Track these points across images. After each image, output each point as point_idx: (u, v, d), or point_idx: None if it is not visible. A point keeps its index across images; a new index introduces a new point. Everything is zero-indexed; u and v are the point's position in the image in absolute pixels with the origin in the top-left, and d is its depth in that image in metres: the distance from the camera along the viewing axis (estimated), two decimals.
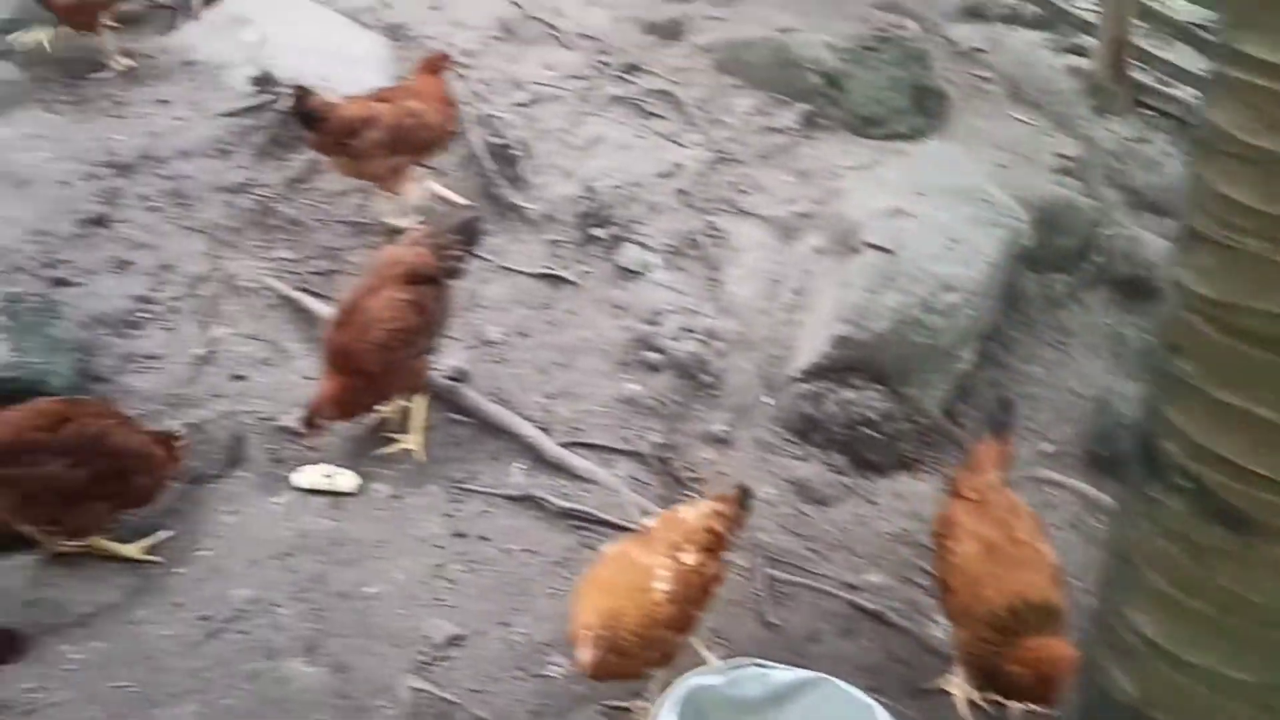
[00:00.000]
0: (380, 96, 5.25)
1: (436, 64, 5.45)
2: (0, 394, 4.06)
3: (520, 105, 6.05)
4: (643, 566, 3.52)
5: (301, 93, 5.09)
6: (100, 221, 5.14)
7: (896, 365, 5.22)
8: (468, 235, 4.68)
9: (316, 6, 6.42)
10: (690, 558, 3.56)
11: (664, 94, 6.23)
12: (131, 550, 4.09)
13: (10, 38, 5.88)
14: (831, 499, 4.96)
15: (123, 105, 5.72)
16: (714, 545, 3.68)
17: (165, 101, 5.77)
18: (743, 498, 3.89)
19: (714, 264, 5.56)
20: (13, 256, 4.83)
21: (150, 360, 4.79)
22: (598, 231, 5.59)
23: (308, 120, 5.10)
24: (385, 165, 5.17)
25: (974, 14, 7.10)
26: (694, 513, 3.76)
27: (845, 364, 5.18)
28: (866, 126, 6.17)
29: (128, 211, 5.25)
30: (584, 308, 5.39)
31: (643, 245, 5.57)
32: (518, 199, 5.62)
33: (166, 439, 4.16)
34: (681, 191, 5.79)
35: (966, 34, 6.96)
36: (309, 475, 4.49)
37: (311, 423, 4.41)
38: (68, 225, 5.05)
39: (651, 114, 6.15)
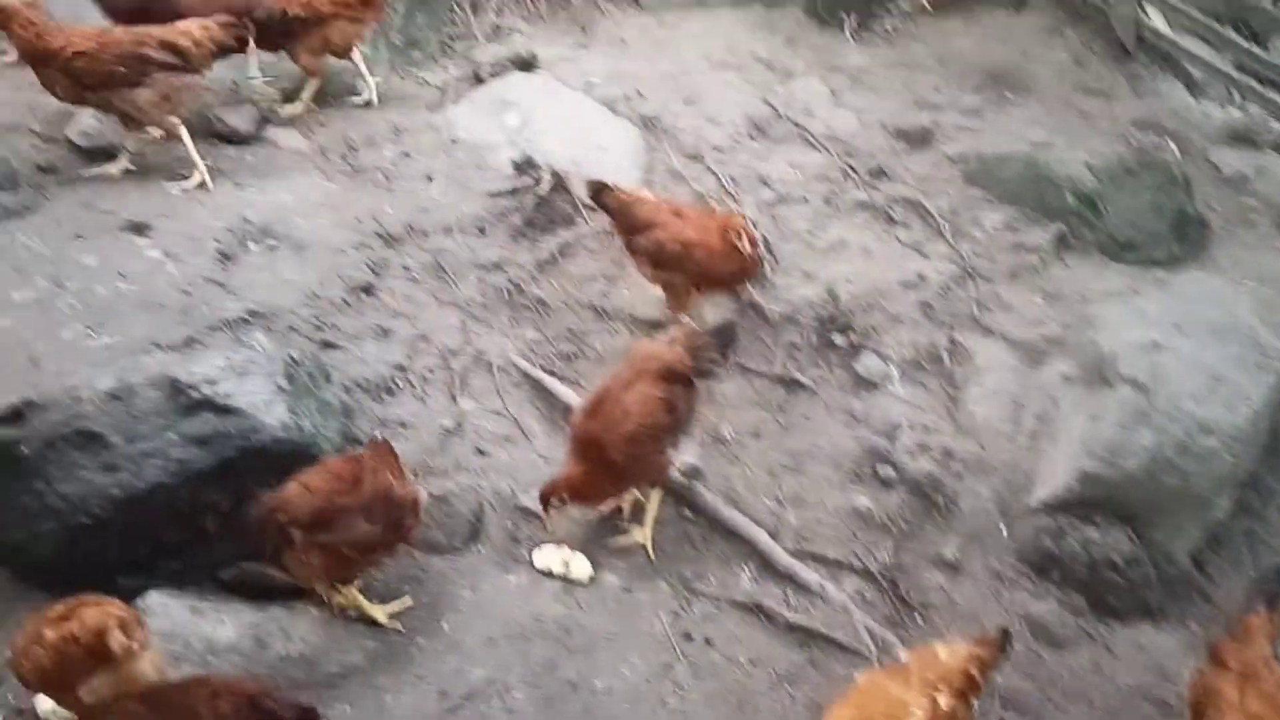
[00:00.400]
0: (677, 210, 5.27)
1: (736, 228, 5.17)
2: (275, 455, 4.31)
3: (767, 204, 6.10)
4: (898, 701, 3.44)
5: (599, 187, 5.29)
6: (367, 290, 5.42)
7: (1145, 507, 4.98)
8: (724, 340, 4.74)
9: (575, 94, 6.66)
10: (945, 700, 3.47)
11: (910, 202, 6.18)
12: (380, 614, 4.25)
13: (283, 111, 6.31)
14: (1067, 642, 4.74)
15: (393, 179, 6.04)
16: (969, 690, 3.57)
17: (431, 178, 6.07)
18: (1003, 642, 3.77)
19: (955, 381, 5.45)
20: (290, 318, 5.13)
21: (402, 428, 5.01)
22: (837, 338, 5.56)
23: (604, 210, 5.34)
24: (651, 274, 5.27)
25: (1241, 139, 6.79)
26: (952, 654, 3.65)
27: (1090, 500, 4.97)
28: (1122, 251, 5.96)
29: (391, 281, 5.52)
30: (818, 414, 5.35)
31: (882, 355, 5.51)
32: (759, 298, 5.64)
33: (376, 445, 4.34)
34: (924, 303, 5.71)
35: (1232, 160, 6.66)
36: (547, 556, 4.59)
37: (548, 501, 4.51)
38: (339, 291, 5.35)
39: (897, 221, 6.10)
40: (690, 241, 5.08)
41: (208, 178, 5.67)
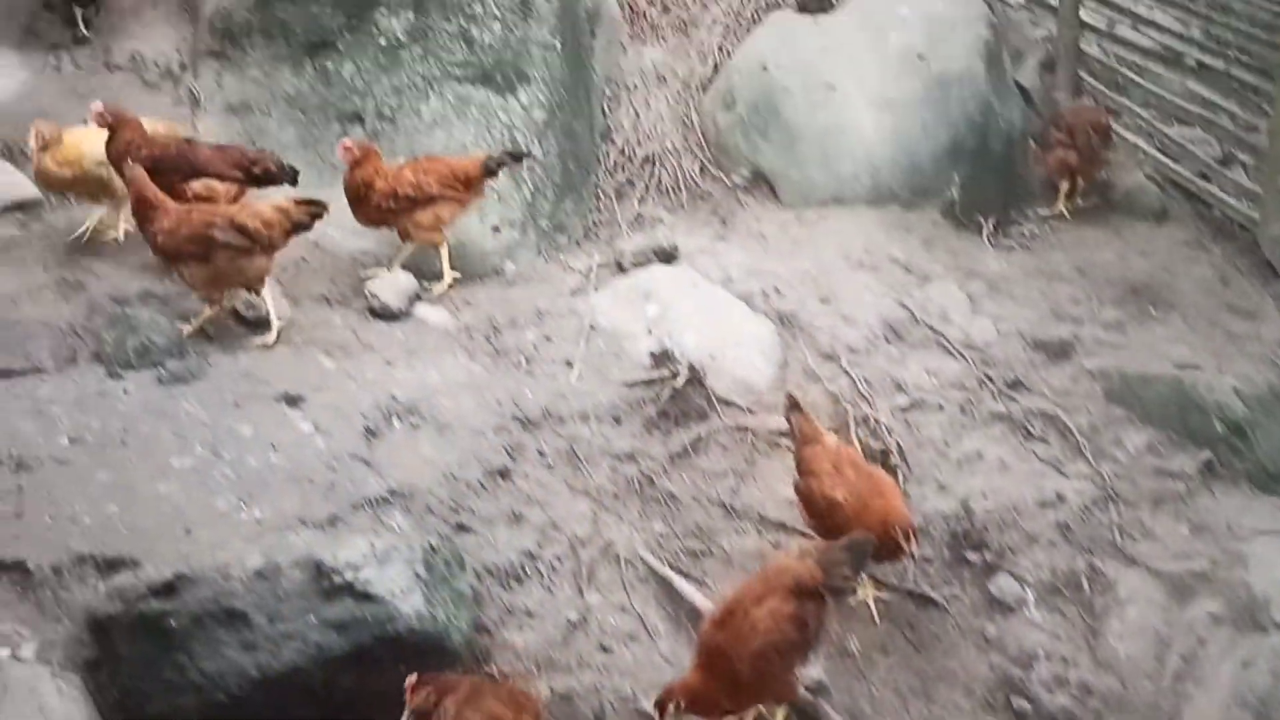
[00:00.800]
0: (838, 458, 5.18)
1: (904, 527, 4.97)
2: (408, 644, 4.36)
3: (901, 409, 6.08)
4: None
5: (793, 403, 5.45)
6: (503, 473, 5.51)
7: None
8: (857, 556, 4.67)
9: (714, 287, 6.79)
10: None
11: (1049, 417, 6.09)
12: None
13: (433, 289, 6.57)
14: None
15: (534, 362, 6.21)
16: None
17: (570, 363, 6.21)
18: None
19: (1094, 611, 5.26)
20: (427, 498, 5.24)
21: (528, 617, 5.03)
22: (971, 555, 5.45)
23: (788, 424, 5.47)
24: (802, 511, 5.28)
25: None
26: None
27: None
28: (1273, 483, 5.74)
29: (527, 466, 5.61)
30: (949, 634, 5.21)
31: (1017, 577, 5.37)
32: None
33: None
34: (1063, 525, 5.57)
35: None
36: None
37: (664, 708, 4.44)
38: (476, 473, 5.45)
39: (1034, 436, 6.00)
40: (835, 504, 5.02)
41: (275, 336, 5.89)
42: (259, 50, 7.27)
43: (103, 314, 5.84)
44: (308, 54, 7.20)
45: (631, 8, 8.40)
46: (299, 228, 5.87)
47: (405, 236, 6.50)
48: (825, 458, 5.12)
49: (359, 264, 6.68)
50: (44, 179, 6.31)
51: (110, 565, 4.47)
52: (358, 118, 7.13)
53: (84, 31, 7.67)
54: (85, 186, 6.32)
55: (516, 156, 6.69)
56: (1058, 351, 6.51)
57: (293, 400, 5.56)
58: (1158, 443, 5.95)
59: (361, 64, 7.14)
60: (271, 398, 5.55)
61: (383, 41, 7.14)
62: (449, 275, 6.61)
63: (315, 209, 5.90)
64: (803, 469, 5.18)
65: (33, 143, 6.07)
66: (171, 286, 6.07)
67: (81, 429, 5.13)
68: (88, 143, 6.20)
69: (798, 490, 5.21)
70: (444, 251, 6.58)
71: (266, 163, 6.25)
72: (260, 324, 6.02)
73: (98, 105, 6.14)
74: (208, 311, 5.89)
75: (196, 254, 5.65)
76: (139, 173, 5.78)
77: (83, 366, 5.58)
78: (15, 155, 6.77)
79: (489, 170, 6.48)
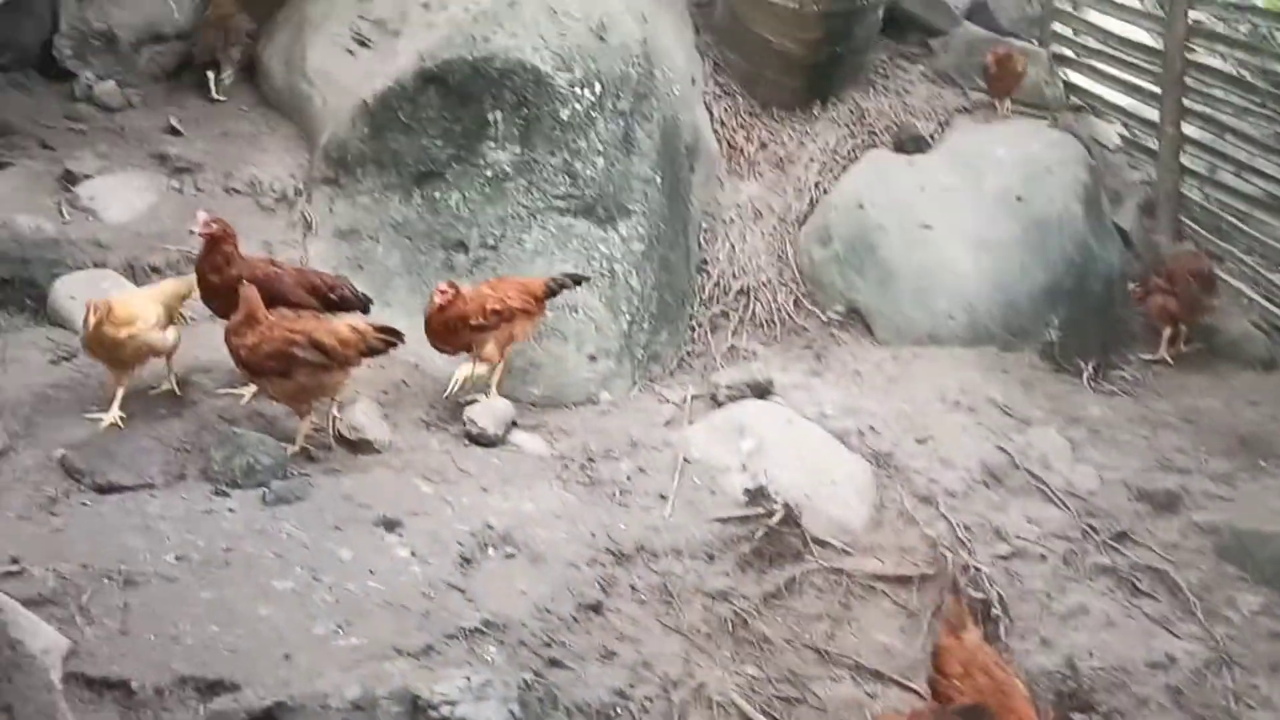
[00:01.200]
0: (971, 661, 4.88)
1: None
2: None
3: (1001, 558, 5.94)
4: None
5: (956, 588, 5.52)
6: (596, 608, 5.46)
7: None
8: None
9: (809, 424, 6.77)
10: None
11: (1157, 572, 5.90)
12: None
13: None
14: None
15: (627, 494, 6.20)
16: None
17: (664, 496, 6.19)
18: None
19: None
20: (520, 631, 5.20)
21: None
22: (1077, 717, 5.24)
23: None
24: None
25: None
26: None
27: None
28: None
29: (619, 601, 5.56)
30: None
31: None
32: None
33: None
34: (1174, 689, 5.34)
35: None
36: None
37: None
38: (569, 607, 5.40)
39: (1141, 592, 5.82)
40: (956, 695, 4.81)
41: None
42: (370, 179, 7.53)
43: (212, 432, 5.98)
44: (417, 183, 7.43)
45: (730, 143, 8.59)
46: (374, 351, 6.07)
47: (485, 357, 6.53)
48: (958, 658, 4.91)
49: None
50: (96, 347, 5.92)
51: (211, 688, 4.48)
52: (462, 246, 7.31)
53: (217, 95, 8.22)
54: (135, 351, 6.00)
55: (577, 280, 6.84)
56: (1164, 503, 6.33)
57: (391, 525, 5.59)
58: (1273, 604, 5.73)
59: (468, 194, 7.34)
60: (370, 521, 5.59)
61: (489, 173, 7.35)
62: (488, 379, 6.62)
63: (390, 338, 6.09)
64: (935, 660, 5.02)
65: (91, 317, 5.74)
66: (278, 408, 6.22)
67: (187, 547, 5.21)
68: (140, 306, 6.03)
69: (927, 677, 5.06)
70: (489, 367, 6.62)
71: (343, 290, 6.50)
72: (361, 445, 6.14)
73: (203, 214, 6.28)
74: (304, 427, 6.01)
75: (278, 370, 5.82)
76: (253, 292, 5.98)
77: (190, 483, 5.68)
78: (137, 273, 7.04)
79: (551, 290, 6.66)
